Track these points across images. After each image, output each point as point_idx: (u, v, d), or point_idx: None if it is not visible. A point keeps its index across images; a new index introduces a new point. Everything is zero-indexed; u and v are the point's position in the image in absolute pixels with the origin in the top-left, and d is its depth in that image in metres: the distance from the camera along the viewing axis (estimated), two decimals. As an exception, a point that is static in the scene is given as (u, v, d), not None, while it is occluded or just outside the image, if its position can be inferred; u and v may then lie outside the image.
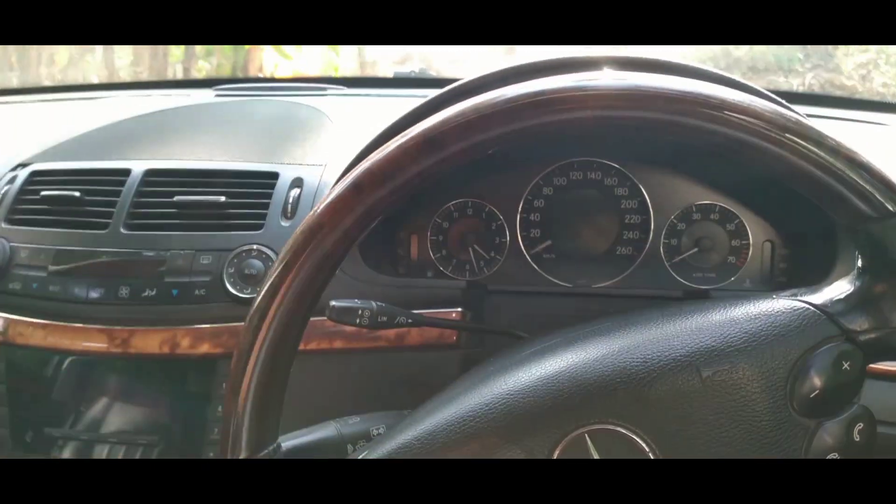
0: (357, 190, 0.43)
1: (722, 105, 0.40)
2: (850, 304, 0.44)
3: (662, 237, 0.86)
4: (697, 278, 0.86)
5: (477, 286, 0.82)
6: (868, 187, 0.40)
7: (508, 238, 0.89)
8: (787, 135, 0.40)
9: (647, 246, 0.86)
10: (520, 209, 0.89)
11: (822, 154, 0.40)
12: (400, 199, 0.43)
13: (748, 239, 0.85)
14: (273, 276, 0.44)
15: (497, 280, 0.89)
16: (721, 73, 0.70)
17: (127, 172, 0.85)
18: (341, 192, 0.43)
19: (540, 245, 0.89)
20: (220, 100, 1.21)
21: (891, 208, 0.40)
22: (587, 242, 0.88)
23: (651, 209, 0.86)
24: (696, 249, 0.85)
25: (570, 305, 0.84)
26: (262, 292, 0.44)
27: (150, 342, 0.79)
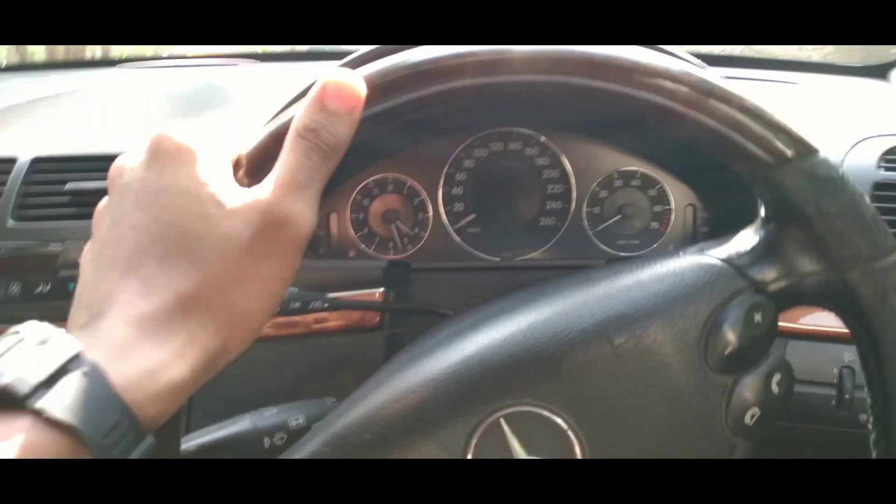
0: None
1: (607, 62, 0.39)
2: (756, 254, 0.43)
3: (585, 206, 0.85)
4: (621, 245, 0.86)
5: (399, 264, 0.80)
6: (764, 132, 0.39)
7: (431, 213, 0.87)
8: (679, 86, 0.38)
9: (570, 215, 0.85)
10: (441, 183, 0.86)
11: (714, 104, 0.39)
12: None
13: (670, 204, 0.85)
14: None
15: (422, 256, 0.86)
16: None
17: (13, 161, 0.79)
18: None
19: (464, 219, 0.87)
20: (122, 77, 1.14)
21: (788, 153, 0.40)
22: (511, 214, 0.87)
23: (572, 178, 0.85)
24: (619, 217, 0.85)
25: (496, 279, 0.83)
26: None
27: (46, 341, 0.73)
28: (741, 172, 0.42)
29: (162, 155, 0.36)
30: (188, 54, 1.31)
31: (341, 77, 0.38)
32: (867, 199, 0.40)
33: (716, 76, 0.40)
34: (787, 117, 0.40)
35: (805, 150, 0.40)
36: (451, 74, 0.39)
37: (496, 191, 0.87)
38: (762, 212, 0.44)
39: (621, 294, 0.43)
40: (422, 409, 0.42)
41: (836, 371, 0.70)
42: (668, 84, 0.38)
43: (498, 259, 0.86)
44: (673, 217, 0.85)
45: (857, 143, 0.79)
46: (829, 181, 0.40)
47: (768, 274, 0.42)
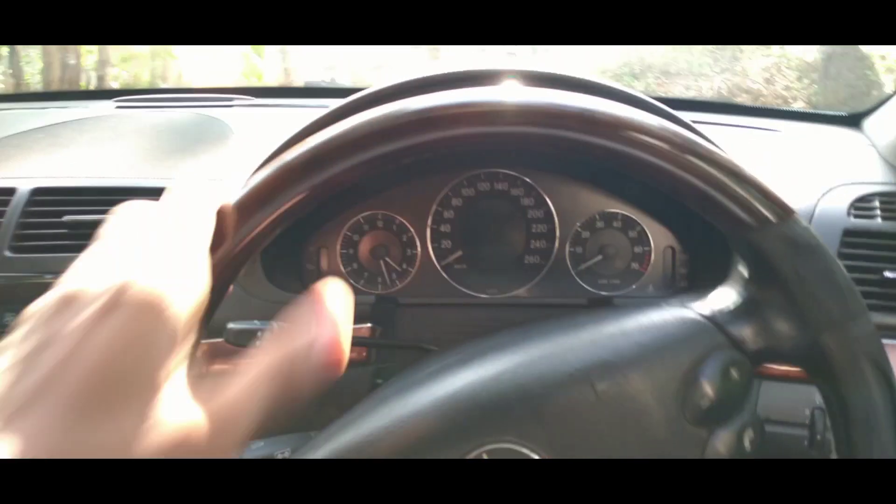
0: (239, 213, 0.41)
1: (600, 118, 0.41)
2: (736, 311, 0.45)
3: (568, 245, 0.88)
4: (603, 285, 0.88)
5: (387, 300, 0.81)
6: (747, 197, 0.42)
7: (419, 250, 0.89)
8: (666, 146, 0.41)
9: (554, 254, 0.88)
10: (429, 221, 0.89)
11: (702, 164, 0.41)
12: (282, 224, 0.42)
13: (650, 245, 0.88)
14: None
15: (410, 292, 0.88)
16: (604, 82, 0.72)
17: (12, 192, 0.80)
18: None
19: (451, 256, 0.89)
20: (119, 112, 1.16)
21: (768, 217, 0.42)
22: (497, 252, 0.89)
23: (556, 218, 0.88)
24: (600, 257, 0.87)
25: (481, 315, 0.85)
26: None
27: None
28: (723, 230, 0.44)
29: (124, 309, 0.28)
30: (183, 88, 1.33)
31: None
32: (841, 264, 0.43)
33: (702, 136, 0.42)
34: (770, 180, 0.43)
35: (785, 215, 0.42)
36: (450, 123, 0.41)
37: (482, 229, 0.89)
38: (743, 271, 0.46)
39: (606, 341, 0.45)
40: (408, 440, 0.43)
41: (808, 412, 0.72)
42: (658, 143, 0.41)
43: (484, 296, 0.88)
44: (652, 258, 0.88)
45: (829, 190, 0.83)
46: (807, 246, 0.42)
47: (746, 332, 0.44)
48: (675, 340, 0.45)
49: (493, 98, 0.42)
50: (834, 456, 0.71)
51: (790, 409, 0.72)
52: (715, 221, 0.44)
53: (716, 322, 0.45)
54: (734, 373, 0.44)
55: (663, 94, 1.25)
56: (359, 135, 0.41)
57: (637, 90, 0.74)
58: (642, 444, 0.43)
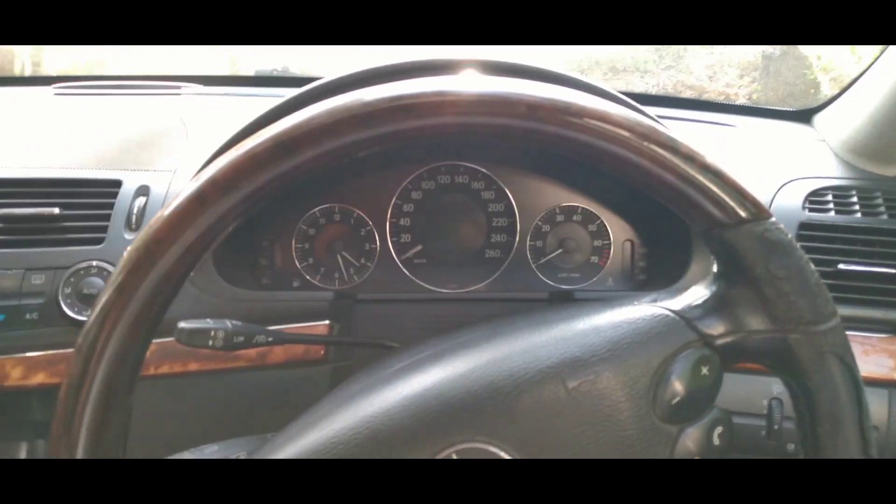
0: (199, 201, 0.39)
1: (581, 112, 0.40)
2: (707, 308, 0.45)
3: (528, 239, 0.87)
4: (563, 278, 0.87)
5: (345, 296, 0.79)
6: (722, 195, 0.41)
7: (378, 244, 0.87)
8: (644, 143, 0.40)
9: (514, 248, 0.87)
10: (389, 214, 0.87)
11: (677, 162, 0.41)
12: (249, 209, 0.40)
13: (609, 239, 0.88)
14: (104, 299, 0.39)
15: (368, 287, 0.86)
16: (582, 78, 0.72)
17: None
18: (181, 203, 0.39)
19: (411, 250, 0.87)
20: (58, 99, 1.10)
21: (743, 215, 0.42)
22: (457, 246, 0.88)
23: (517, 212, 0.87)
24: (560, 250, 0.87)
25: (442, 311, 0.83)
26: (93, 317, 0.39)
27: (-28, 375, 0.69)
28: (694, 227, 0.44)
29: None
30: (128, 75, 1.27)
31: None
32: (811, 264, 0.43)
33: (678, 134, 0.41)
34: (736, 169, 0.43)
35: (759, 213, 0.42)
36: (431, 111, 0.39)
37: (443, 223, 0.87)
38: (714, 267, 0.46)
39: (577, 338, 0.44)
40: (376, 440, 0.41)
41: (765, 402, 0.73)
42: (633, 138, 0.40)
43: (444, 290, 0.87)
44: (612, 251, 0.88)
45: (784, 184, 0.84)
46: (779, 245, 0.42)
47: (717, 328, 0.44)
48: (647, 337, 0.44)
49: (474, 88, 0.40)
50: (791, 446, 0.73)
51: (748, 400, 0.73)
52: (687, 218, 0.43)
53: (686, 318, 0.45)
54: (704, 370, 0.44)
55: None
56: (329, 121, 0.39)
57: (601, 83, 0.73)
58: (613, 441, 0.43)
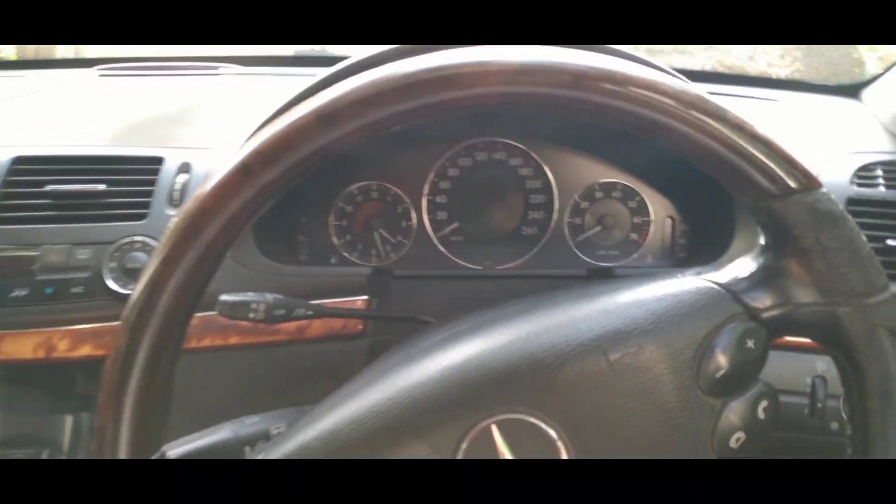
0: (244, 171, 0.39)
1: (627, 81, 0.39)
2: (754, 281, 0.44)
3: (566, 216, 0.86)
4: (601, 256, 0.87)
5: (382, 272, 0.79)
6: (771, 164, 0.40)
7: (415, 221, 0.87)
8: (692, 112, 0.39)
9: (552, 225, 0.86)
10: (425, 191, 0.86)
11: (725, 131, 0.40)
12: (292, 180, 0.40)
13: (649, 216, 0.86)
14: (151, 270, 0.40)
15: (405, 264, 0.86)
16: (624, 49, 0.70)
17: None
18: (226, 174, 0.39)
19: (447, 227, 0.87)
20: (103, 80, 1.12)
21: (793, 185, 0.41)
22: (494, 223, 0.87)
23: (555, 188, 0.86)
24: (599, 227, 0.86)
25: (478, 288, 0.83)
26: (140, 288, 0.40)
27: (22, 347, 0.71)
28: (742, 198, 0.43)
29: None
30: (167, 56, 1.29)
31: None
32: (864, 236, 0.41)
33: (726, 105, 0.40)
34: (786, 143, 0.41)
35: (809, 183, 0.41)
36: (474, 81, 0.39)
37: (479, 200, 0.87)
38: (761, 239, 0.44)
39: (620, 311, 0.44)
40: (415, 409, 0.41)
41: (808, 380, 0.72)
42: (682, 108, 0.39)
43: (480, 267, 0.86)
44: (652, 229, 0.86)
45: (832, 159, 0.81)
46: (830, 216, 0.41)
47: (763, 301, 0.43)
48: (691, 309, 0.43)
49: (517, 57, 0.39)
50: (834, 424, 0.71)
51: (791, 378, 0.72)
52: (734, 188, 0.42)
53: (732, 291, 0.44)
54: (750, 343, 0.43)
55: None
56: (371, 92, 0.39)
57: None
58: (655, 414, 0.42)
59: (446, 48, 0.66)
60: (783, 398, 0.71)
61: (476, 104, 0.40)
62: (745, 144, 0.40)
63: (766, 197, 0.41)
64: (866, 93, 1.04)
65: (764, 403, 0.44)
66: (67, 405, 0.86)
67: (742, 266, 0.45)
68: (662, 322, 0.43)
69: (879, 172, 0.80)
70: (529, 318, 0.46)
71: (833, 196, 0.41)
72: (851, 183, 0.78)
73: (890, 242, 0.73)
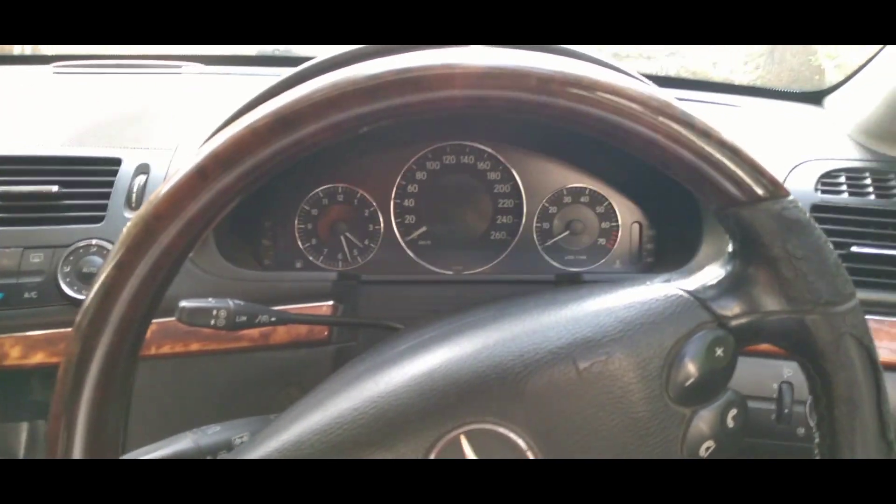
0: (201, 175, 0.38)
1: (594, 85, 0.39)
2: (722, 289, 0.44)
3: (535, 221, 0.86)
4: (569, 261, 0.86)
5: (348, 277, 0.78)
6: (739, 172, 0.40)
7: (382, 225, 0.86)
8: (659, 117, 0.39)
9: (521, 230, 0.86)
10: (393, 195, 0.85)
11: (693, 137, 0.39)
12: (251, 185, 0.38)
13: (617, 221, 0.86)
14: (104, 276, 0.38)
15: (372, 269, 0.85)
16: (591, 54, 0.70)
17: None
18: (183, 178, 0.38)
19: (415, 231, 0.86)
20: (57, 78, 1.09)
21: (760, 193, 0.41)
22: (462, 228, 0.87)
23: (523, 193, 0.86)
24: (567, 232, 0.86)
25: (446, 292, 0.82)
26: (92, 294, 0.38)
27: (-30, 354, 0.69)
28: (710, 205, 0.43)
29: None
30: (128, 54, 1.26)
31: None
32: (831, 245, 0.42)
33: (694, 112, 0.40)
34: (761, 157, 0.41)
35: (776, 191, 0.41)
36: (440, 84, 0.38)
37: (448, 204, 0.86)
38: (729, 246, 0.44)
39: (589, 318, 0.43)
40: (381, 420, 0.41)
41: (775, 386, 0.72)
42: (649, 114, 0.39)
43: (449, 272, 0.86)
44: (619, 234, 0.86)
45: (796, 165, 0.83)
46: (797, 224, 0.41)
47: (732, 309, 0.43)
48: (660, 317, 0.43)
49: (484, 60, 0.39)
50: (801, 430, 0.72)
51: (758, 384, 0.72)
52: (702, 195, 0.42)
53: (701, 299, 0.44)
54: (719, 351, 0.43)
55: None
56: (334, 94, 0.38)
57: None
58: (624, 423, 0.42)
59: (413, 48, 0.66)
60: (750, 404, 0.72)
61: (441, 107, 0.39)
62: (712, 151, 0.40)
63: (734, 204, 0.41)
64: (829, 100, 1.06)
65: (733, 412, 0.44)
66: (22, 413, 0.84)
67: (710, 273, 0.45)
68: (631, 330, 0.43)
69: (843, 179, 0.81)
70: (497, 325, 0.45)
71: (801, 204, 0.42)
72: (816, 189, 0.80)
73: (855, 249, 0.75)
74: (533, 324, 0.44)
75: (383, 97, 0.38)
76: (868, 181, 0.81)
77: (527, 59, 0.39)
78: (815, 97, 1.09)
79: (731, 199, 0.41)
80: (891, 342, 0.72)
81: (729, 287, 0.44)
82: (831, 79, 1.12)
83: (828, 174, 0.81)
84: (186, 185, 0.38)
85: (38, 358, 0.70)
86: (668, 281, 0.46)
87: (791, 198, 0.41)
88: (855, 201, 0.78)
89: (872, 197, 0.79)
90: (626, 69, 0.70)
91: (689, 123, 0.40)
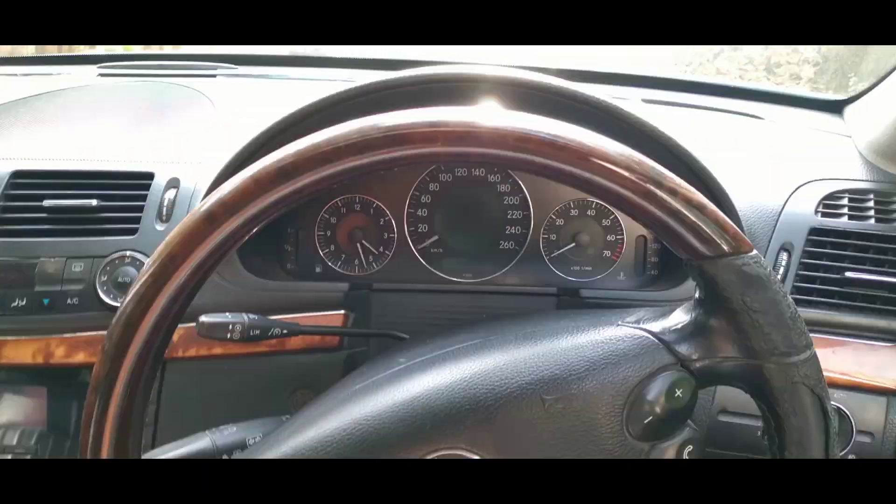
0: (209, 220, 0.43)
1: (566, 147, 0.42)
2: (685, 333, 0.47)
3: (542, 232, 0.89)
4: (575, 272, 0.90)
5: (360, 287, 0.83)
6: (704, 228, 0.43)
7: (396, 233, 0.90)
8: (629, 175, 0.42)
9: (528, 241, 0.89)
10: (407, 205, 0.90)
11: (661, 195, 0.43)
12: (254, 228, 0.44)
13: (622, 234, 0.89)
14: (126, 307, 0.43)
15: (387, 275, 0.90)
16: (584, 91, 0.72)
17: None
18: (193, 221, 0.43)
19: (427, 240, 0.90)
20: (101, 80, 1.16)
21: (724, 248, 0.44)
22: (472, 237, 0.91)
23: (531, 205, 0.89)
24: (573, 244, 0.89)
25: (454, 301, 0.87)
26: (114, 323, 0.44)
27: (22, 352, 0.76)
28: (680, 256, 0.46)
29: None
30: (167, 54, 1.32)
31: None
32: (789, 297, 0.45)
33: (664, 170, 0.43)
34: (726, 212, 0.44)
35: (739, 246, 0.44)
36: (424, 141, 0.42)
37: (459, 214, 0.90)
38: (696, 294, 0.48)
39: (559, 356, 0.48)
40: (366, 442, 0.46)
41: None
42: (622, 171, 0.42)
43: (459, 280, 0.90)
44: (624, 246, 0.89)
45: (801, 185, 0.84)
46: (757, 279, 0.44)
47: (693, 352, 0.47)
48: (625, 358, 0.47)
49: (466, 119, 0.43)
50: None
51: (744, 401, 0.74)
52: (671, 246, 0.46)
53: (665, 342, 0.47)
54: (679, 392, 0.46)
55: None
56: (328, 149, 0.42)
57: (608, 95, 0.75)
58: (587, 456, 0.46)
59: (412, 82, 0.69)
60: (737, 420, 0.75)
61: (426, 161, 0.43)
62: (679, 208, 0.43)
63: (699, 257, 0.44)
64: (849, 110, 1.06)
65: (689, 448, 0.48)
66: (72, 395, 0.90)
67: (676, 318, 0.49)
68: (596, 369, 0.47)
69: (845, 201, 0.82)
70: (478, 356, 0.50)
71: (762, 259, 0.44)
72: (816, 212, 0.81)
73: (849, 274, 0.76)
74: (507, 358, 0.49)
75: (374, 152, 0.43)
76: (871, 203, 0.82)
77: (506, 119, 0.43)
78: (836, 106, 1.09)
79: (696, 253, 0.44)
80: (880, 366, 0.73)
81: (692, 332, 0.47)
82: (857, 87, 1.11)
83: (830, 195, 0.82)
84: (197, 229, 0.43)
85: (81, 357, 0.77)
86: (637, 322, 0.50)
87: (753, 253, 0.44)
88: (854, 225, 0.79)
89: (873, 221, 0.80)
90: (620, 107, 0.72)
91: (658, 182, 0.43)
